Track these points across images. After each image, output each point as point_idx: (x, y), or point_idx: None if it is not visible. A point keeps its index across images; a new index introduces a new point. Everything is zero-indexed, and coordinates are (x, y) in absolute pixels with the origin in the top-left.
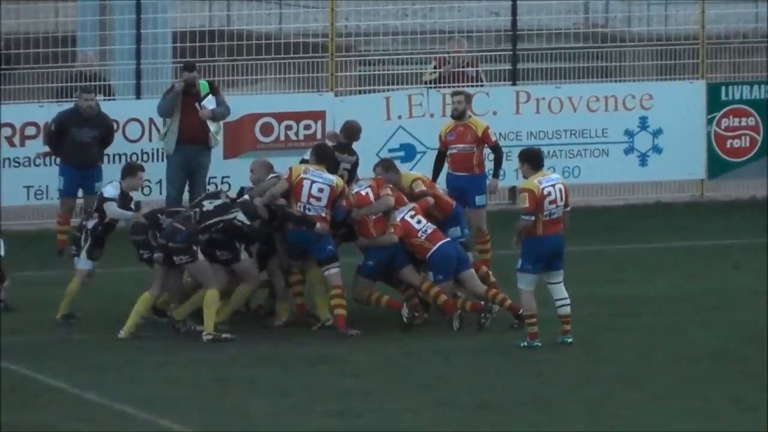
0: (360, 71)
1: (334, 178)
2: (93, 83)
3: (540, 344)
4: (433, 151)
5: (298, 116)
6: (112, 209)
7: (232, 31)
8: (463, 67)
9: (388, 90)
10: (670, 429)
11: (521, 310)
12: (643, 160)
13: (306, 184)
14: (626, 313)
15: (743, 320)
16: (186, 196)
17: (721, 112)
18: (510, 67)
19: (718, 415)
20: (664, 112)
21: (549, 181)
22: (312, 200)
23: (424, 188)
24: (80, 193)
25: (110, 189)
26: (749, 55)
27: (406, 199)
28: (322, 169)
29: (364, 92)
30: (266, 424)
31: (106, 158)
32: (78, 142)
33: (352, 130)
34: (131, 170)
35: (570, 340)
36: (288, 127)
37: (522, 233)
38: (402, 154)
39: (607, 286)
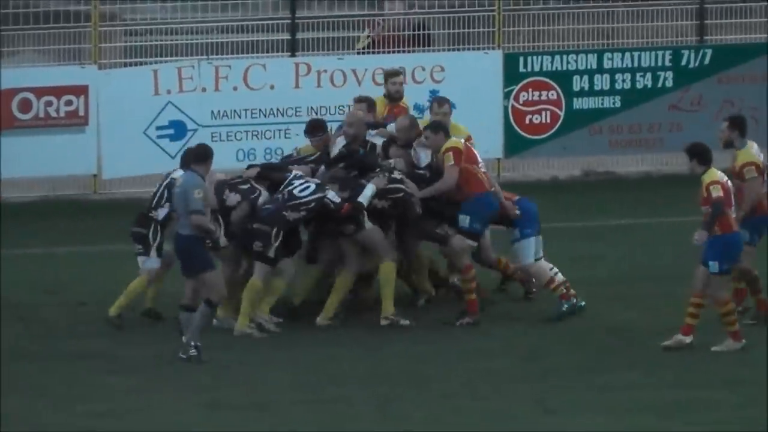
0: (126, 42)
1: None
2: None
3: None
4: (206, 128)
5: (58, 91)
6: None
7: None
8: (399, 30)
9: (156, 62)
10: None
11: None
12: None
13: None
14: None
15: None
16: None
17: (519, 85)
18: (289, 37)
19: (519, 416)
20: (456, 85)
21: None
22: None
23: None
24: None
25: (179, 172)
26: (550, 22)
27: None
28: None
29: (131, 65)
30: (19, 424)
31: None
32: None
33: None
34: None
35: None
36: (48, 103)
37: None
38: (171, 131)
39: None
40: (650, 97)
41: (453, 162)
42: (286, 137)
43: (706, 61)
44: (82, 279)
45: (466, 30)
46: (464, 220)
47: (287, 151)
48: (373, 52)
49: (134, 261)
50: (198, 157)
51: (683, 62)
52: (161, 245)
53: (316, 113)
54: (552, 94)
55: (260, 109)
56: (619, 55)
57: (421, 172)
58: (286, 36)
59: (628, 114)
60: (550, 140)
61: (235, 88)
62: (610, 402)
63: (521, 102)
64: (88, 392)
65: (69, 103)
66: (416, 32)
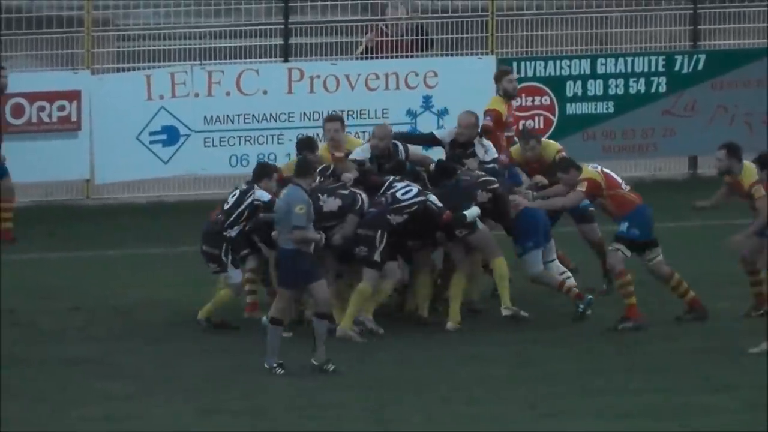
0: (119, 47)
1: None
2: None
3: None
4: (199, 133)
5: (51, 96)
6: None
7: None
8: (401, 35)
9: (149, 67)
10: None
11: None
12: None
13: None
14: None
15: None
16: None
17: None
18: (282, 43)
19: (514, 421)
20: (449, 91)
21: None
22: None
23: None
24: None
25: (263, 195)
26: (543, 28)
27: None
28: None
29: (124, 70)
30: (18, 430)
31: None
32: None
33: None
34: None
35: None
36: (40, 108)
37: None
38: (164, 137)
39: None
40: (643, 102)
41: (584, 190)
42: (278, 142)
43: (700, 66)
44: (75, 284)
45: (460, 35)
46: (623, 225)
47: (280, 157)
48: (368, 58)
49: (130, 265)
50: (301, 171)
51: (676, 67)
52: (235, 260)
53: (309, 119)
54: (545, 100)
55: (253, 115)
56: (613, 60)
57: (490, 165)
58: (279, 41)
59: (621, 119)
60: None
61: (228, 94)
62: (605, 406)
63: (514, 107)
64: (82, 397)
65: (62, 108)
66: (413, 37)
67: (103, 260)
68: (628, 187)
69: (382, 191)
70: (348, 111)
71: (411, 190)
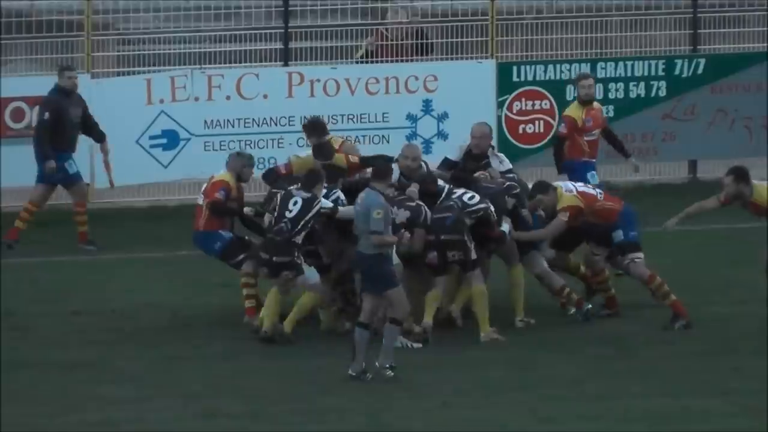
0: (118, 51)
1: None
2: None
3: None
4: (199, 137)
5: None
6: (344, 211)
7: None
8: (402, 39)
9: (148, 71)
10: None
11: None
12: (427, 146)
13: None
14: None
15: None
16: None
17: (513, 95)
18: (282, 47)
19: (512, 425)
20: (450, 95)
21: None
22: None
23: None
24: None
25: (327, 202)
26: (543, 32)
27: None
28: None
29: (123, 74)
30: None
31: None
32: None
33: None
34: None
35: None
36: None
37: None
38: (164, 141)
39: None
40: (643, 106)
41: (566, 219)
42: (279, 147)
43: (700, 70)
44: (75, 288)
45: (460, 39)
46: (617, 235)
47: (281, 161)
48: (368, 62)
49: (130, 269)
50: (378, 175)
51: (676, 71)
52: (305, 261)
53: None
54: (545, 104)
55: (253, 119)
56: (613, 64)
57: (510, 175)
58: (279, 45)
59: (621, 123)
60: (544, 150)
61: (228, 98)
62: (604, 411)
63: (515, 111)
64: (82, 401)
65: None
66: (413, 41)
67: (103, 264)
68: (602, 195)
69: (444, 196)
70: (348, 115)
71: (474, 196)
